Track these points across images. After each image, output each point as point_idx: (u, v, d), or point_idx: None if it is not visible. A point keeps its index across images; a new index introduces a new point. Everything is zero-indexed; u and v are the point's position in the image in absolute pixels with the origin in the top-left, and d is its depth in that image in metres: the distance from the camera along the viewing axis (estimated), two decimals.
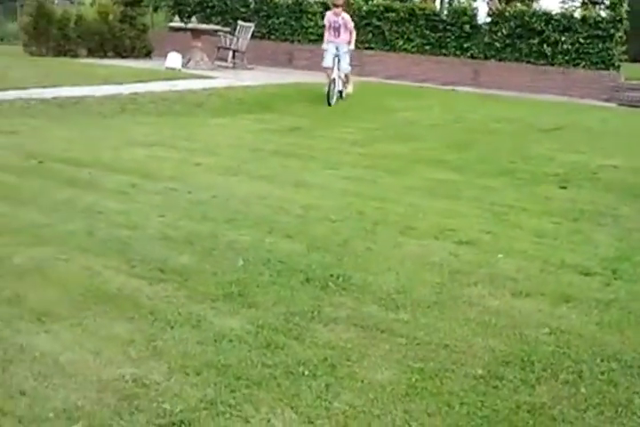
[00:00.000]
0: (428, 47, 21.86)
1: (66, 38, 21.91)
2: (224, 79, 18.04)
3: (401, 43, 22.08)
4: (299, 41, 23.15)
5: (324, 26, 15.65)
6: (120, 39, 22.54)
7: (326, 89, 14.30)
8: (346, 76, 15.04)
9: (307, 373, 4.01)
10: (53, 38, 21.74)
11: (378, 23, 22.24)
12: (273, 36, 23.54)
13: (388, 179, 8.82)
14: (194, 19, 22.26)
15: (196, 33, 21.06)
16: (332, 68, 14.61)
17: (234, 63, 21.55)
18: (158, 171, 8.50)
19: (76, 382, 3.81)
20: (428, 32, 21.75)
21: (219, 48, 21.57)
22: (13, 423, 3.42)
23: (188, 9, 24.81)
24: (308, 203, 7.44)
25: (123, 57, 22.25)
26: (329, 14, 15.00)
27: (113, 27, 22.43)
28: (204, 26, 21.82)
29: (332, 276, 5.40)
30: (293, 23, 23.14)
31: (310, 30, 22.88)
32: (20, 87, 14.55)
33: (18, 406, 3.55)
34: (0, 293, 4.84)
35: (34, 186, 7.56)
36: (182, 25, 21.69)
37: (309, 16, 22.65)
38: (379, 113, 14.57)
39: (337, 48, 14.82)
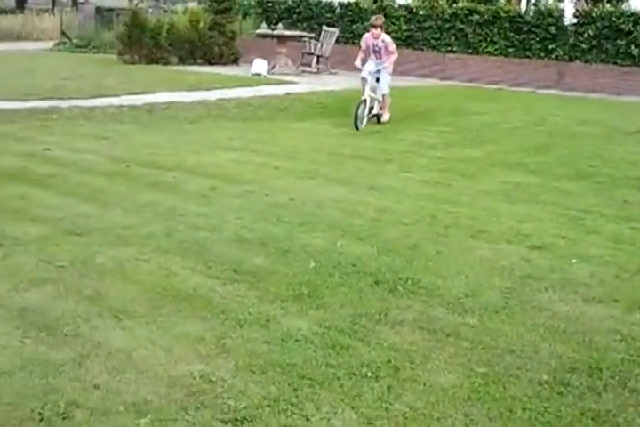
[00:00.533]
0: (511, 49, 21.56)
1: (158, 46, 22.39)
2: (307, 84, 18.22)
3: (484, 45, 21.86)
4: None
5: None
6: (209, 46, 22.90)
7: (354, 110, 12.40)
8: (383, 97, 13.09)
9: (369, 374, 4.06)
10: (146, 46, 22.26)
11: (461, 26, 22.06)
12: (357, 41, 23.52)
13: (463, 182, 8.79)
14: (280, 25, 22.47)
15: (281, 39, 21.31)
16: (365, 87, 12.72)
17: (318, 68, 21.70)
18: (238, 174, 8.68)
19: (147, 377, 3.95)
20: (511, 34, 21.46)
21: (303, 54, 21.77)
22: (85, 415, 3.57)
23: (276, 15, 25.08)
24: (381, 206, 7.50)
25: (211, 64, 22.60)
26: (367, 37, 13.26)
27: (203, 34, 22.81)
28: (289, 32, 22.03)
29: (400, 279, 5.44)
30: None
31: (393, 34, 22.81)
32: (112, 94, 15.04)
33: (91, 399, 3.71)
34: (82, 291, 5.05)
35: (120, 189, 7.82)
36: (269, 31, 21.96)
37: (393, 20, 22.61)
38: (458, 116, 14.48)
39: (378, 68, 12.95)
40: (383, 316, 4.82)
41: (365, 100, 12.48)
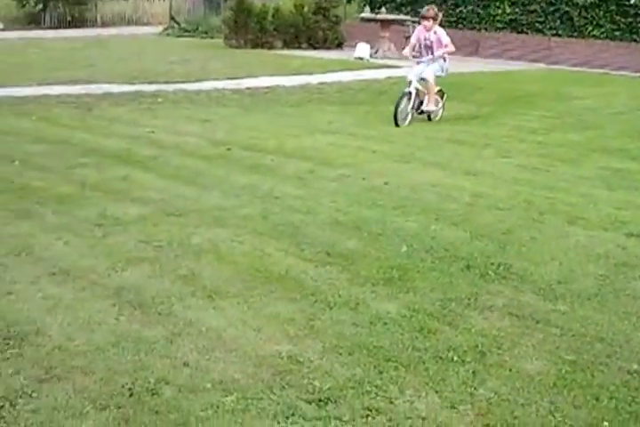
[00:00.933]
0: (617, 33, 20.89)
1: (263, 31, 22.59)
2: (409, 68, 18.04)
3: (590, 29, 21.24)
4: (485, 29, 22.77)
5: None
6: (314, 31, 22.98)
7: (395, 104, 11.02)
8: (427, 85, 11.28)
9: (455, 358, 4.06)
10: (252, 31, 22.48)
11: (566, 9, 21.50)
12: (460, 25, 23.26)
13: (562, 168, 8.61)
14: (383, 9, 22.36)
15: (384, 23, 21.24)
16: (411, 81, 11.18)
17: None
18: (336, 158, 8.73)
19: (235, 356, 4.03)
20: (618, 17, 20.79)
21: (406, 38, 21.54)
22: (174, 392, 3.67)
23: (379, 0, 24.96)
24: (477, 191, 7.43)
25: (315, 48, 22.68)
26: (419, 29, 11.66)
27: (307, 19, 22.91)
28: (392, 16, 21.92)
29: (492, 264, 5.40)
30: (480, 11, 22.79)
31: (497, 18, 22.46)
32: (217, 78, 15.28)
33: (179, 377, 3.81)
34: (177, 271, 5.17)
35: (220, 171, 7.96)
36: (372, 16, 21.89)
37: (497, 4, 22.23)
38: (560, 101, 14.17)
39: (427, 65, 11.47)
40: (473, 301, 4.80)
41: (410, 93, 11.03)
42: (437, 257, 5.52)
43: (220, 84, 14.53)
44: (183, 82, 14.67)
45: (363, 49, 20.30)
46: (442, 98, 11.69)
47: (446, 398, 3.69)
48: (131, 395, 3.63)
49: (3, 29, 27.75)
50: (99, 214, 6.33)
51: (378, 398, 3.67)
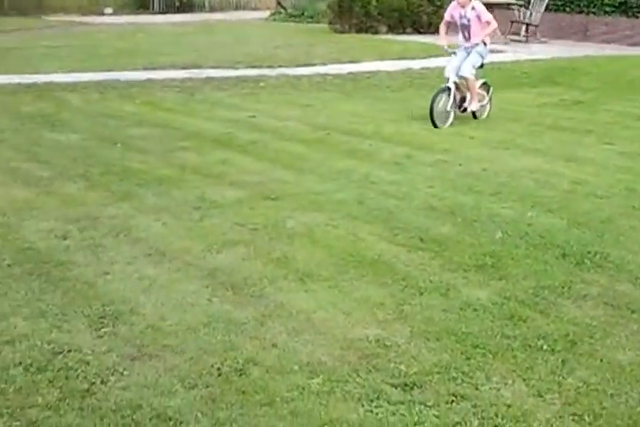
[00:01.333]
0: None
1: (367, 15, 22.50)
2: (513, 53, 17.74)
3: None
4: (594, 13, 22.08)
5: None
6: (418, 15, 22.74)
7: (430, 101, 9.52)
8: (467, 83, 9.71)
9: (545, 347, 4.00)
10: (356, 16, 22.42)
11: None
12: (568, 9, 22.64)
13: None
14: None
15: (489, 7, 20.79)
16: (448, 77, 9.62)
17: (526, 37, 21.04)
18: (433, 143, 8.67)
19: (323, 338, 4.07)
20: None
21: (512, 22, 21.15)
22: (261, 373, 3.74)
23: None
24: (576, 178, 7.27)
25: (420, 33, 22.45)
26: (453, 5, 9.77)
27: (411, 3, 22.69)
28: (497, 0, 21.51)
29: (589, 252, 5.28)
30: None
31: (606, 1, 21.74)
32: (319, 63, 15.33)
33: (268, 358, 3.88)
34: (271, 254, 5.24)
35: (318, 156, 8.01)
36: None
37: None
38: None
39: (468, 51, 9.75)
40: (567, 289, 4.72)
41: (449, 89, 9.52)
42: (532, 244, 5.44)
43: (322, 69, 14.58)
44: (286, 67, 14.77)
45: None
46: (487, 92, 10.27)
47: (533, 386, 3.65)
48: (219, 375, 3.71)
49: (112, 14, 28.47)
50: (197, 197, 6.47)
51: (464, 384, 3.66)
